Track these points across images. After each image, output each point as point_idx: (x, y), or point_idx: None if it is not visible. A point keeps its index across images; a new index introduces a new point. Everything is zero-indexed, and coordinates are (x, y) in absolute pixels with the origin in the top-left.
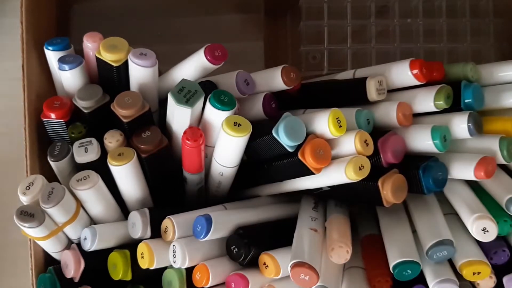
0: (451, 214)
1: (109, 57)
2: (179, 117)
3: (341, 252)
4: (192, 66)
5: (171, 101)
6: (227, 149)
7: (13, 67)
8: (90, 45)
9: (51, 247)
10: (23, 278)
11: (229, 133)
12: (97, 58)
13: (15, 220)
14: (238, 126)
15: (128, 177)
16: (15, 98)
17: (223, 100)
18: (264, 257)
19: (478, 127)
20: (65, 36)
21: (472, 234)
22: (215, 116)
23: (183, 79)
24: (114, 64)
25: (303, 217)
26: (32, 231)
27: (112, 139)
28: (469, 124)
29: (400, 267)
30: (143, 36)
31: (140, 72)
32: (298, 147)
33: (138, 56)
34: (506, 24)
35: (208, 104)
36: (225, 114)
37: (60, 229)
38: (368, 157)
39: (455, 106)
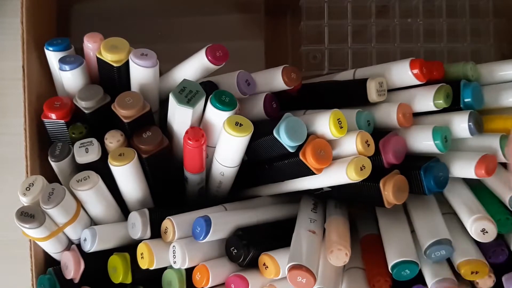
0: (450, 214)
1: (110, 58)
2: (180, 117)
3: (340, 254)
4: (193, 67)
5: (172, 101)
6: (228, 149)
7: (13, 67)
8: (91, 45)
9: (52, 247)
10: (23, 278)
11: (230, 133)
12: (98, 58)
13: (16, 221)
14: (240, 126)
15: (128, 177)
16: (15, 98)
17: (224, 101)
18: (264, 258)
19: (478, 126)
20: (65, 36)
21: (471, 235)
22: (216, 116)
23: (184, 79)
24: (115, 65)
25: (302, 218)
26: (32, 232)
27: (113, 139)
28: (470, 123)
29: (399, 267)
30: (144, 36)
31: (141, 73)
32: (299, 147)
33: (139, 56)
34: (506, 24)
35: (209, 104)
36: (226, 115)
37: (60, 229)
38: (369, 157)
39: (455, 106)
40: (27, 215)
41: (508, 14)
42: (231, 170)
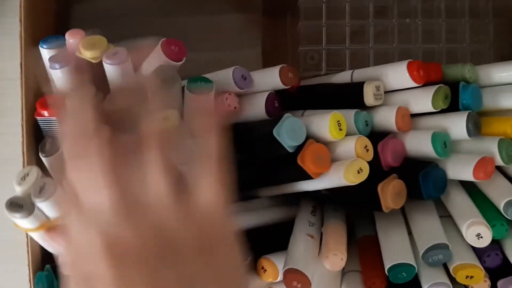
0: (447, 217)
1: (88, 55)
2: None
3: (336, 259)
4: (154, 61)
5: None
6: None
7: (13, 67)
8: (72, 41)
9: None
10: (22, 278)
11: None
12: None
13: (6, 211)
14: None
15: None
16: (15, 98)
17: (200, 85)
18: (262, 261)
19: (477, 128)
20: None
21: (466, 239)
22: (195, 101)
23: (161, 65)
24: (93, 61)
25: (300, 221)
26: (22, 222)
27: None
28: (468, 125)
29: (395, 270)
30: (143, 35)
31: (111, 70)
32: (298, 149)
33: (110, 55)
34: (506, 24)
35: (186, 91)
36: (203, 98)
37: (52, 223)
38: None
39: (453, 108)
40: (16, 205)
41: (508, 14)
42: None
